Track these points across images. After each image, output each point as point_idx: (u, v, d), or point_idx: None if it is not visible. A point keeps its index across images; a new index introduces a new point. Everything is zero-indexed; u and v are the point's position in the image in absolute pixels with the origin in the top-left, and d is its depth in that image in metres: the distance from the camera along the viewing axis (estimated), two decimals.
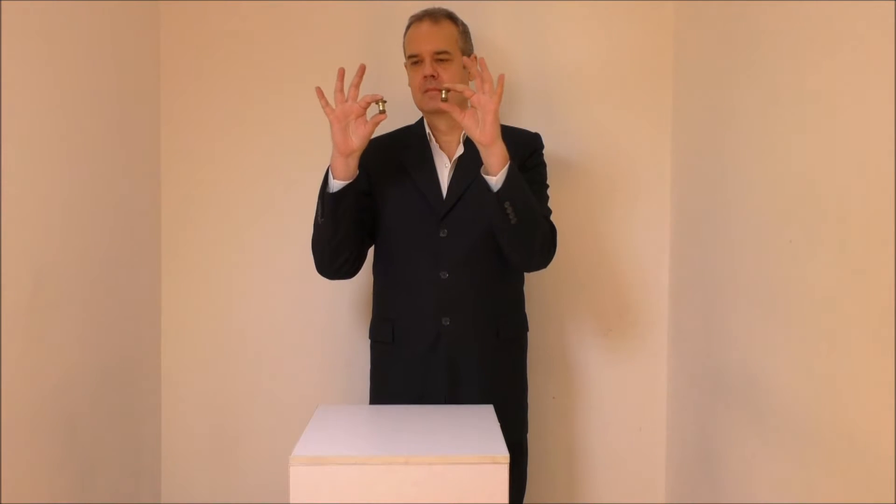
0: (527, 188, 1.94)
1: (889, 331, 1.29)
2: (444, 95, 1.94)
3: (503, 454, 1.52)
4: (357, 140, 1.90)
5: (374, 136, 2.15)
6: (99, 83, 2.12)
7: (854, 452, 1.41)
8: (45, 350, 1.85)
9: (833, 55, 1.49)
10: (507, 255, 2.02)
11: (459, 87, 1.91)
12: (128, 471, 2.31)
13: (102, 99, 2.14)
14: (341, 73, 1.90)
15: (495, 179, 1.88)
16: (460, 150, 2.11)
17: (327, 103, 1.89)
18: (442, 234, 2.06)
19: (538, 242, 1.98)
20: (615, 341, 2.52)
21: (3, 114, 1.67)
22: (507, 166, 1.88)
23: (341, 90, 1.90)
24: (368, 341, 2.22)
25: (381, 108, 1.91)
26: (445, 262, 2.06)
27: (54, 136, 1.90)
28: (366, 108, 1.90)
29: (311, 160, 2.45)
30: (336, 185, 1.93)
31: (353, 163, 1.93)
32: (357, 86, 1.90)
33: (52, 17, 1.87)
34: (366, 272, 2.24)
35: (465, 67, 2.00)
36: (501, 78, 1.86)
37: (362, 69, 1.91)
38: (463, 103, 2.10)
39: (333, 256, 2.03)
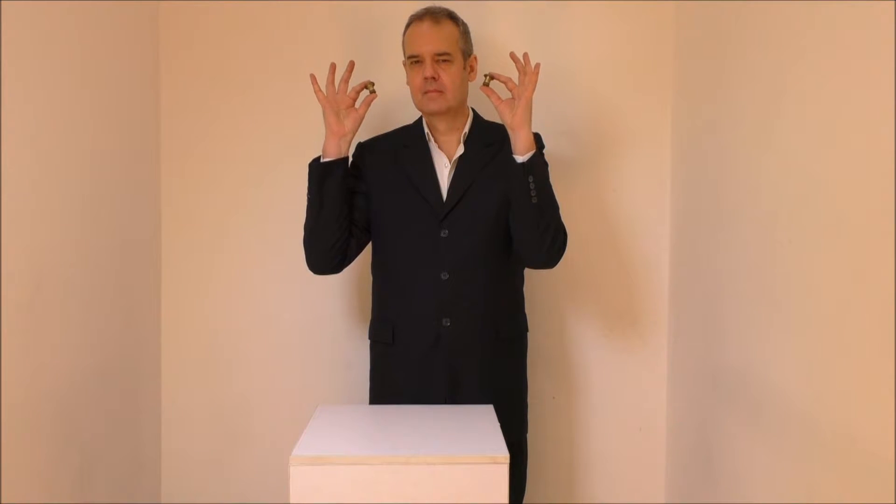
0: (548, 178, 2.03)
1: (889, 331, 1.29)
2: (486, 81, 2.04)
3: (503, 454, 1.52)
4: (350, 123, 2.05)
5: (371, 136, 2.16)
6: (99, 83, 2.12)
7: (854, 452, 1.41)
8: (45, 350, 1.85)
9: (833, 55, 1.49)
10: (518, 245, 2.04)
11: (503, 76, 2.00)
12: (128, 471, 2.31)
13: (102, 99, 2.14)
14: (333, 68, 2.05)
15: (522, 157, 1.96)
16: (460, 151, 2.11)
17: (319, 89, 2.04)
18: (442, 235, 2.06)
19: (552, 232, 1.99)
20: (615, 341, 2.52)
21: (3, 114, 1.67)
22: (533, 151, 1.98)
23: (332, 83, 2.05)
24: (368, 342, 2.21)
25: (370, 90, 2.07)
26: (446, 262, 2.05)
27: (54, 136, 1.90)
28: (355, 99, 2.06)
29: (311, 160, 2.45)
30: (325, 161, 2.04)
31: (345, 146, 2.07)
32: (346, 80, 2.05)
33: (51, 17, 1.87)
34: (364, 273, 2.24)
35: (483, 74, 2.07)
36: (537, 66, 1.97)
37: (351, 66, 2.06)
38: (462, 102, 2.11)
39: (320, 240, 2.06)
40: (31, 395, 1.79)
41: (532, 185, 1.95)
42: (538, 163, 1.99)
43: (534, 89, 1.96)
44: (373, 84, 2.08)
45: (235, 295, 2.51)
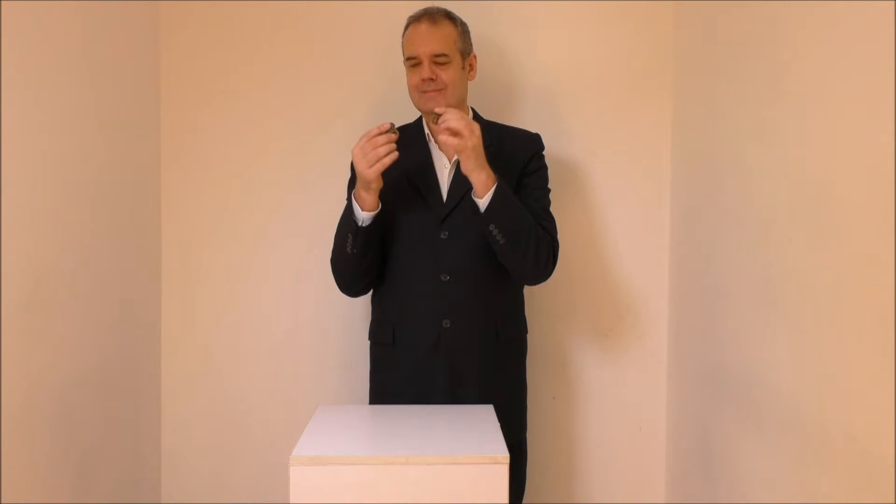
0: (516, 207, 1.95)
1: (889, 331, 1.29)
2: (434, 119, 1.91)
3: (503, 454, 1.52)
4: (379, 167, 1.90)
5: None
6: (98, 83, 2.12)
7: (854, 452, 1.41)
8: (45, 350, 1.85)
9: (833, 55, 1.49)
10: (506, 269, 2.04)
11: (451, 120, 1.86)
12: (128, 471, 2.31)
13: (102, 99, 2.14)
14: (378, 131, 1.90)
15: (482, 202, 1.92)
16: None
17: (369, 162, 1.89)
18: (443, 236, 2.06)
19: (531, 259, 1.98)
20: (615, 342, 2.52)
21: (3, 114, 1.67)
22: (492, 190, 1.90)
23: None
24: (368, 342, 2.21)
25: (393, 131, 1.90)
26: (446, 264, 2.05)
27: (54, 137, 1.89)
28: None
29: (312, 161, 2.46)
30: (366, 216, 1.96)
31: (377, 191, 1.95)
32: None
33: (51, 17, 1.87)
34: None
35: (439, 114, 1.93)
36: (463, 128, 1.84)
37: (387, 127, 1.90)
38: (462, 101, 2.11)
39: (361, 279, 2.09)
40: (31, 395, 1.79)
41: (495, 232, 1.92)
42: (498, 208, 1.91)
43: (462, 140, 1.84)
44: (392, 125, 1.91)
45: (235, 295, 2.51)
